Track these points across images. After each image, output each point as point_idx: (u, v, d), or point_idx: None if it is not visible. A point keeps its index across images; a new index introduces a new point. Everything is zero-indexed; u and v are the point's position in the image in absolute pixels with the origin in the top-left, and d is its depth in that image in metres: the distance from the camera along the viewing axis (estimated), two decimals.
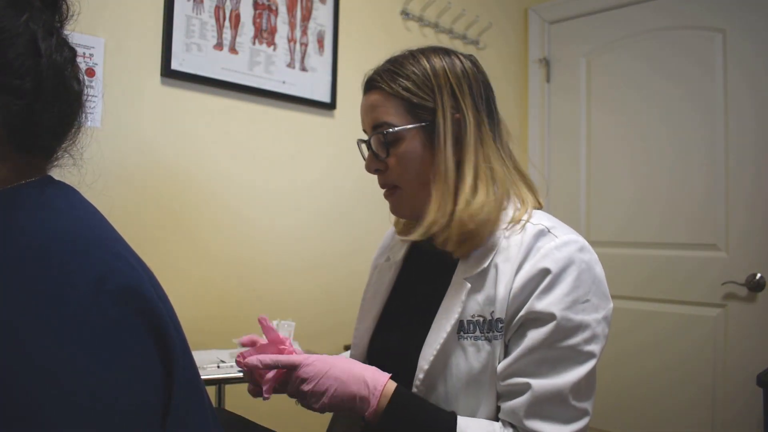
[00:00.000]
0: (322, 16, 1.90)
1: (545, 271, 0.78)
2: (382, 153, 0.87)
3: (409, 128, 0.85)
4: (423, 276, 0.97)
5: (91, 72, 1.42)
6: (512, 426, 0.77)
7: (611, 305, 0.82)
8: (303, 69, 1.84)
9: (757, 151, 2.08)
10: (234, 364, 1.41)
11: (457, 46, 2.35)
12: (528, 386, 0.75)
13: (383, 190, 0.92)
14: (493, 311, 0.81)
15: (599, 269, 0.82)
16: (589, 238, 2.44)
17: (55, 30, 0.55)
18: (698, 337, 2.15)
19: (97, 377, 0.45)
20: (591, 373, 0.78)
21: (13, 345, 0.43)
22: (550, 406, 0.75)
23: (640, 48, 2.36)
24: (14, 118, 0.51)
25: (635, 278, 2.32)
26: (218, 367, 1.37)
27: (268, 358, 0.81)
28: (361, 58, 1.98)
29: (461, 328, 0.83)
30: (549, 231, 0.82)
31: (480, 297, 0.83)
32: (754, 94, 2.09)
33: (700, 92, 2.20)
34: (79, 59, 0.59)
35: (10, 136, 0.52)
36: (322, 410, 0.78)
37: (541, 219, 0.85)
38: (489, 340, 0.81)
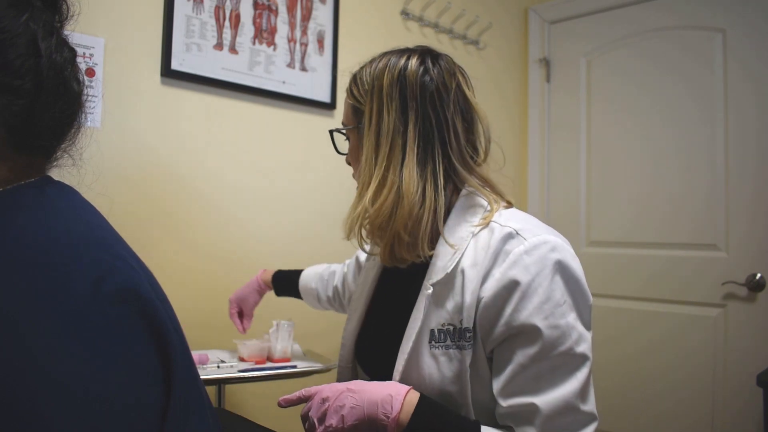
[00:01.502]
0: (322, 16, 1.90)
1: (515, 283, 0.75)
2: (339, 149, 0.99)
3: (348, 129, 0.92)
4: (400, 278, 0.96)
5: (91, 72, 1.42)
6: None
7: (590, 301, 0.81)
8: (303, 69, 1.84)
9: (757, 151, 2.08)
10: (233, 364, 1.41)
11: (457, 46, 2.35)
12: (535, 407, 0.73)
13: None
14: (461, 319, 0.79)
15: (575, 265, 0.79)
16: (589, 239, 2.46)
17: (55, 30, 0.55)
18: (698, 337, 2.15)
19: (95, 376, 0.45)
20: (589, 378, 0.77)
21: (11, 344, 0.43)
22: (561, 418, 0.74)
23: (640, 48, 2.36)
24: (14, 118, 0.51)
25: (635, 278, 2.32)
26: (218, 367, 1.37)
27: (294, 395, 0.83)
28: (361, 58, 1.97)
29: (432, 337, 0.81)
30: (518, 233, 0.79)
31: (449, 305, 0.81)
32: (755, 94, 2.09)
33: (701, 92, 2.20)
34: (79, 59, 0.59)
35: (10, 136, 0.52)
36: (342, 428, 0.75)
37: (509, 220, 0.82)
38: (460, 348, 0.79)
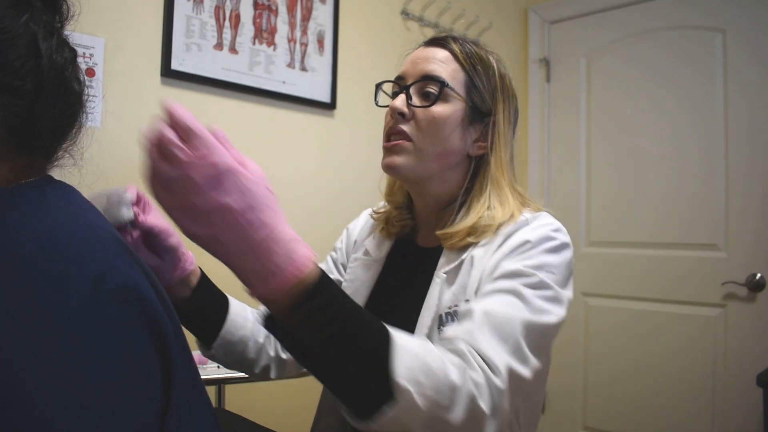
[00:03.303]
0: (322, 16, 1.90)
1: (525, 242, 0.76)
2: (424, 101, 0.84)
3: (463, 98, 0.85)
4: (407, 273, 0.94)
5: (91, 72, 1.42)
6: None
7: (571, 295, 0.78)
8: (303, 69, 1.84)
9: (757, 151, 2.08)
10: None
11: None
12: (473, 310, 0.70)
13: (389, 142, 0.86)
14: (467, 299, 0.79)
15: (570, 254, 0.80)
16: (589, 238, 2.46)
17: (55, 30, 0.55)
18: (698, 338, 2.15)
19: (94, 376, 0.45)
20: (545, 335, 0.72)
21: (11, 345, 0.43)
22: (494, 329, 0.67)
23: (640, 48, 2.36)
24: (14, 118, 0.51)
25: (635, 278, 2.32)
26: (218, 367, 1.37)
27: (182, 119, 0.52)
28: (361, 58, 1.98)
29: (440, 322, 0.81)
30: (529, 221, 0.82)
31: (455, 287, 0.81)
32: (754, 93, 2.09)
33: (700, 92, 2.20)
34: (79, 59, 0.59)
35: (10, 136, 0.52)
36: (191, 232, 0.54)
37: (524, 213, 0.85)
38: None
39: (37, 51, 0.51)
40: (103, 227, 0.57)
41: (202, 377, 0.62)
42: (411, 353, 0.60)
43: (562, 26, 2.62)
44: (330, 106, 1.91)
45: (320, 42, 1.89)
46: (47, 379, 0.43)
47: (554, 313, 0.72)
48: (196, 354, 1.43)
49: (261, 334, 0.92)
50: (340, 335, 0.57)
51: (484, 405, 0.62)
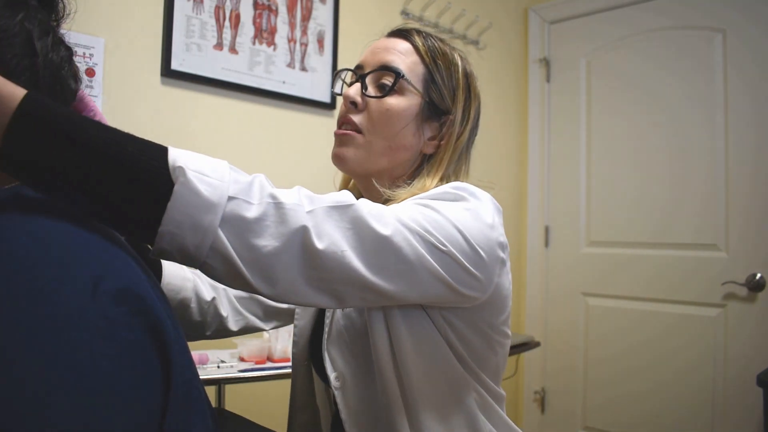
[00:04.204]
0: (322, 16, 1.90)
1: (419, 197, 0.70)
2: (378, 92, 0.80)
3: (420, 93, 0.80)
4: None
5: (91, 72, 1.42)
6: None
7: (483, 249, 0.66)
8: (303, 69, 1.84)
9: (757, 151, 2.08)
10: (233, 364, 1.41)
11: (457, 46, 2.35)
12: None
13: (339, 130, 0.82)
14: None
15: (467, 206, 0.68)
16: (589, 238, 2.46)
17: (50, 29, 0.55)
18: (698, 337, 2.15)
19: (94, 377, 0.45)
20: (400, 246, 0.61)
21: (9, 345, 0.43)
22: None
23: (640, 48, 2.36)
24: None
25: (635, 278, 2.32)
26: (218, 367, 1.37)
27: None
28: None
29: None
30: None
31: None
32: (754, 94, 2.09)
33: (700, 92, 2.20)
34: (79, 59, 0.59)
35: None
36: None
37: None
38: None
39: (32, 50, 0.51)
40: (102, 227, 0.57)
41: (201, 377, 0.61)
42: (189, 152, 0.53)
43: (562, 26, 2.62)
44: (330, 106, 1.91)
45: (320, 42, 1.89)
46: (48, 378, 0.43)
47: (391, 227, 0.61)
48: (196, 354, 1.43)
49: (207, 293, 0.86)
50: (92, 142, 0.48)
51: (285, 199, 0.56)
